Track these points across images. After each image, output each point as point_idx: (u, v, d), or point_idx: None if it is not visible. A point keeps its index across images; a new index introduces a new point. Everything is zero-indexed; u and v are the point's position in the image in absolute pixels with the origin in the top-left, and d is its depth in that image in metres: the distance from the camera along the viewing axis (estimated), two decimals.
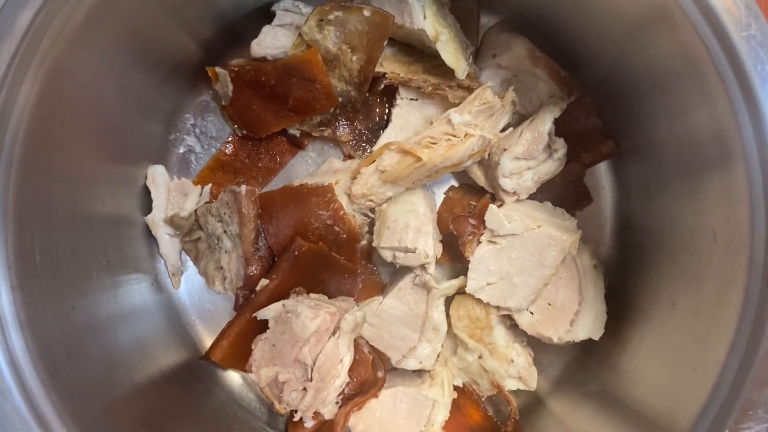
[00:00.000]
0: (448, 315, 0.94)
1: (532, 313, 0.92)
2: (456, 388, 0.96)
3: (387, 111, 0.95)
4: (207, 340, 0.99)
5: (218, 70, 0.92)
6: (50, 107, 0.68)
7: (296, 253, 0.89)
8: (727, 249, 0.66)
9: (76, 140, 0.76)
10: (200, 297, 1.00)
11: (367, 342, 0.94)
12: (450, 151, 0.85)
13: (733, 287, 0.63)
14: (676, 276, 0.79)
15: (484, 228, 0.88)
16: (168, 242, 0.96)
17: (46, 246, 0.70)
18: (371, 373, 0.92)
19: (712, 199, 0.70)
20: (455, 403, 0.94)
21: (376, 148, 0.92)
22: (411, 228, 0.88)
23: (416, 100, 0.92)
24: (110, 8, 0.70)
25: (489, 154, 0.89)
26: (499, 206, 0.89)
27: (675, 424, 0.68)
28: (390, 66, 0.90)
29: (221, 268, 0.95)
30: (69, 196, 0.77)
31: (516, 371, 0.92)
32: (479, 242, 0.89)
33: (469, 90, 0.88)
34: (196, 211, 0.96)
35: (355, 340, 0.91)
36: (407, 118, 0.92)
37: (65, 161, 0.75)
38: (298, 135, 0.96)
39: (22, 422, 0.63)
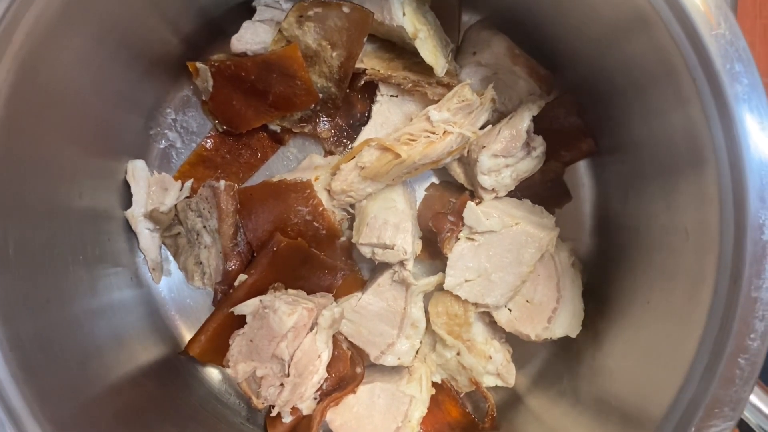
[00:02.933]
0: (426, 312, 0.94)
1: (510, 310, 0.92)
2: (434, 384, 0.96)
3: (367, 107, 0.95)
4: (187, 336, 0.99)
5: (199, 65, 0.92)
6: (25, 99, 0.68)
7: (275, 248, 0.89)
8: (697, 248, 0.67)
9: (53, 133, 0.76)
10: (180, 292, 1.00)
11: (345, 338, 0.94)
12: (429, 148, 0.85)
13: (702, 286, 0.64)
14: (650, 274, 0.79)
15: (463, 225, 0.89)
16: (148, 237, 0.95)
17: (21, 239, 0.70)
18: (350, 368, 0.92)
19: (686, 199, 0.71)
20: (433, 400, 0.95)
21: (356, 144, 0.92)
22: (390, 224, 0.88)
23: (396, 96, 0.92)
24: (85, 1, 0.70)
25: (468, 152, 0.89)
26: (477, 203, 0.89)
27: (646, 419, 0.68)
28: (370, 62, 0.90)
29: (200, 263, 0.95)
30: (46, 189, 0.76)
31: (494, 368, 0.93)
32: (458, 239, 0.89)
33: (449, 87, 0.88)
34: (176, 206, 0.95)
35: (333, 336, 0.91)
36: (387, 115, 0.92)
37: (42, 154, 0.75)
38: (278, 131, 0.96)
39: None
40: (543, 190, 0.96)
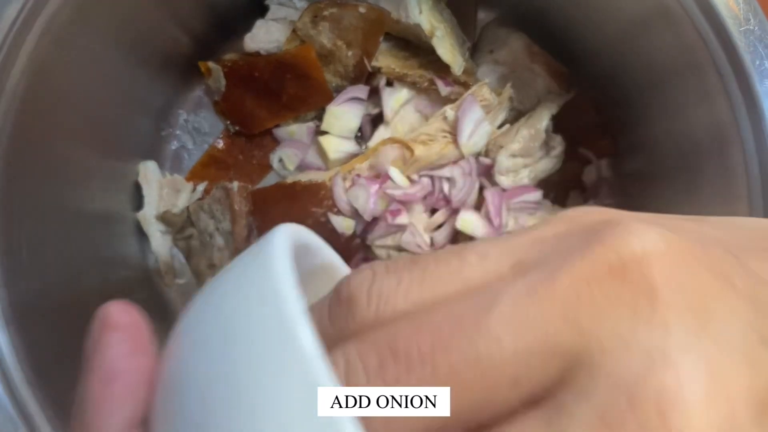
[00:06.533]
0: None
1: None
2: None
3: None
4: None
5: (211, 64, 0.91)
6: (38, 102, 0.67)
7: None
8: None
9: (65, 136, 0.75)
10: (192, 295, 0.99)
11: None
12: (446, 148, 0.84)
13: None
14: None
15: None
16: (160, 239, 0.94)
17: (34, 242, 0.69)
18: None
19: (712, 198, 0.69)
20: None
21: (370, 144, 0.91)
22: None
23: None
24: (98, 1, 0.69)
25: (486, 152, 0.88)
26: None
27: None
28: (385, 61, 0.89)
29: (213, 265, 0.94)
30: (59, 192, 0.75)
31: None
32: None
33: (466, 86, 0.86)
34: (188, 207, 0.94)
35: None
36: (402, 114, 0.91)
37: (55, 157, 0.74)
38: None
39: (7, 422, 0.62)
40: (561, 190, 0.94)
